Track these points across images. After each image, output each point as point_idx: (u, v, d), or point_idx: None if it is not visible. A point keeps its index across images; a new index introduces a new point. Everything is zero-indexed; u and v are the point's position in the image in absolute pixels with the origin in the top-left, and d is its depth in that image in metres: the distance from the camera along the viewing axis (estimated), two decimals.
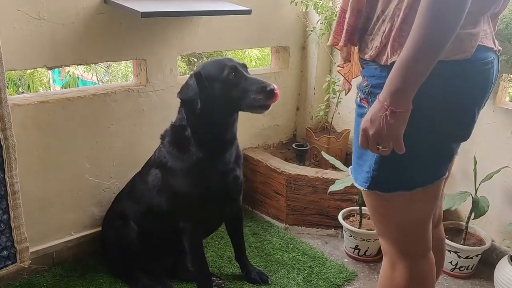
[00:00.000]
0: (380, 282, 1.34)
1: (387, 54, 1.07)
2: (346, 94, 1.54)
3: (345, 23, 1.17)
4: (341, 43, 1.22)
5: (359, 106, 1.19)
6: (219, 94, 1.67)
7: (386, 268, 1.31)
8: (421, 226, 1.27)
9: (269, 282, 2.05)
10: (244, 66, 1.74)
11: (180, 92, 1.73)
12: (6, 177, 1.72)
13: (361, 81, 1.19)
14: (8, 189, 1.74)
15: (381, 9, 1.10)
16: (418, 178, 1.16)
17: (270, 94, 1.62)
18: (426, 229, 1.27)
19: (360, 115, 1.17)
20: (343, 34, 1.19)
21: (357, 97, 1.20)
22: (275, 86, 1.63)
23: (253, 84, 1.64)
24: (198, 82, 1.67)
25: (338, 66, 1.45)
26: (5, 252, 1.79)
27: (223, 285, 2.00)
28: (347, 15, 1.16)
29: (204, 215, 1.85)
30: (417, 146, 1.10)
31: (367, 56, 1.14)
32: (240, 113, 1.79)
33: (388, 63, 1.07)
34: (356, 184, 1.24)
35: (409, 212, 1.23)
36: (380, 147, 1.05)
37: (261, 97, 1.63)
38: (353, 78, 1.45)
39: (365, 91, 1.15)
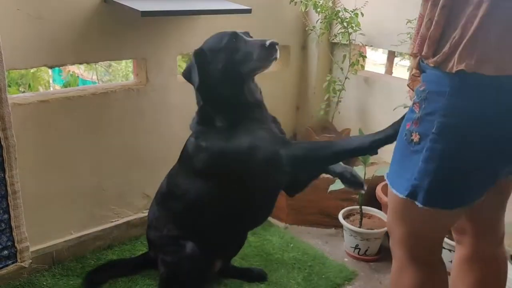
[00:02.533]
0: (391, 283, 1.35)
1: (453, 62, 1.01)
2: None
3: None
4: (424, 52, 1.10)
5: (411, 110, 1.14)
6: (223, 63, 1.65)
7: (395, 272, 1.31)
8: (441, 238, 1.25)
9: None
10: (247, 33, 1.74)
11: (184, 72, 1.74)
12: (6, 176, 1.72)
13: (419, 85, 1.12)
14: (9, 188, 1.73)
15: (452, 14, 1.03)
16: (463, 197, 1.11)
17: (271, 48, 1.62)
18: (443, 239, 1.27)
19: (408, 120, 1.13)
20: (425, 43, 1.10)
21: (412, 101, 1.15)
22: (275, 40, 1.63)
23: (254, 44, 1.65)
24: (199, 59, 1.66)
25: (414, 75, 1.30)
26: (5, 252, 1.78)
27: None
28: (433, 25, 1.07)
29: None
30: (467, 163, 1.06)
31: (431, 62, 1.07)
32: None
33: (453, 71, 1.01)
34: (393, 190, 1.18)
35: (438, 226, 1.21)
36: None
37: (263, 55, 1.63)
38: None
39: (420, 96, 1.10)
